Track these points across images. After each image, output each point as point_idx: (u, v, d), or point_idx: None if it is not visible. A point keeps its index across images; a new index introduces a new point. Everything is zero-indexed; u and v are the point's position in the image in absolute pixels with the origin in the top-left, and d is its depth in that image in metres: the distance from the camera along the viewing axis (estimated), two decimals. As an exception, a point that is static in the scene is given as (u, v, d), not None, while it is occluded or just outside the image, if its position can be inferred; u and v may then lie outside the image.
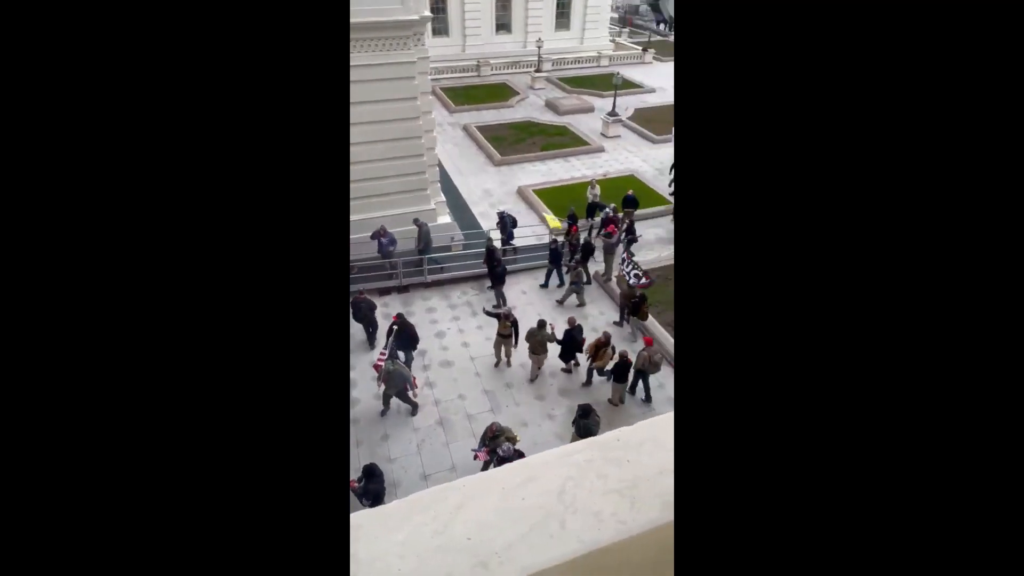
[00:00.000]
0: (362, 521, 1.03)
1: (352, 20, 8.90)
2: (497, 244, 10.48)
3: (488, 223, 12.48)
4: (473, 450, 6.83)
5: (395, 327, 7.92)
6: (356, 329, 8.91)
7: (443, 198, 12.39)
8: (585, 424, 6.76)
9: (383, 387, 7.40)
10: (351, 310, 8.50)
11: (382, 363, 7.28)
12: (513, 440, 6.62)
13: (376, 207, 10.90)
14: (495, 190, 14.52)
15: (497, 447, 6.37)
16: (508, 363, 8.55)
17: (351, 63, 9.36)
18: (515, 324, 8.18)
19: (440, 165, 12.96)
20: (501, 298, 9.70)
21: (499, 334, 8.33)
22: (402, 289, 10.45)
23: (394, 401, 7.65)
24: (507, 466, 1.11)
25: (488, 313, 8.61)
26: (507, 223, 11.35)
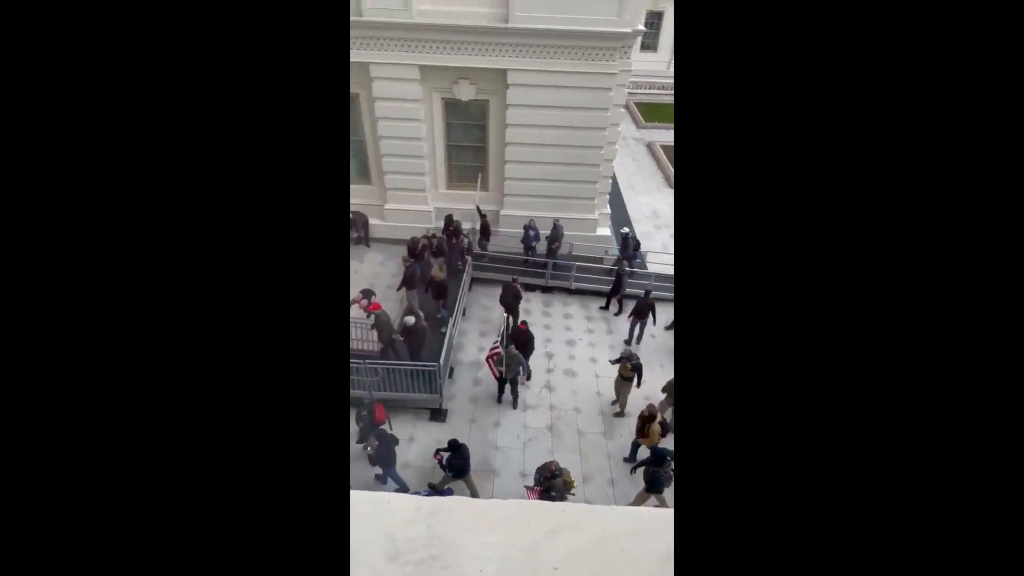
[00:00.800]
0: (457, 507, 1.04)
1: (564, 27, 9.27)
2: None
3: (650, 243, 12.03)
4: (526, 487, 6.52)
5: (510, 330, 7.85)
6: (499, 311, 9.33)
7: (608, 211, 12.29)
8: (655, 473, 6.04)
9: (501, 371, 7.63)
10: (501, 292, 8.93)
11: (496, 354, 7.49)
12: (569, 486, 6.10)
13: (540, 207, 11.26)
14: (663, 212, 13.93)
15: (552, 488, 5.90)
16: (622, 412, 8.01)
17: (552, 68, 9.77)
18: (638, 368, 7.63)
19: (613, 178, 12.86)
20: (633, 329, 9.23)
21: (620, 376, 7.88)
22: (546, 289, 10.66)
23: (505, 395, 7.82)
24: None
25: (612, 362, 8.15)
26: (629, 244, 10.84)
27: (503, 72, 10.04)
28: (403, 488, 6.83)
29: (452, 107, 10.84)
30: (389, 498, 1.06)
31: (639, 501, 6.45)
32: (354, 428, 6.82)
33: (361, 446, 6.75)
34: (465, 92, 10.48)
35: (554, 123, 10.38)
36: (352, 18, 9.66)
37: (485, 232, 11.06)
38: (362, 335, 8.59)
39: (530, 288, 10.71)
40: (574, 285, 10.63)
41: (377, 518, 1.01)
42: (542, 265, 10.61)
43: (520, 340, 7.90)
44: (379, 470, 6.82)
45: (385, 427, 6.89)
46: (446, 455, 6.42)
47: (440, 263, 9.57)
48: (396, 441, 6.72)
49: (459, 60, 9.97)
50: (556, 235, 10.84)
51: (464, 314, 9.85)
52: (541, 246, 11.00)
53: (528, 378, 8.18)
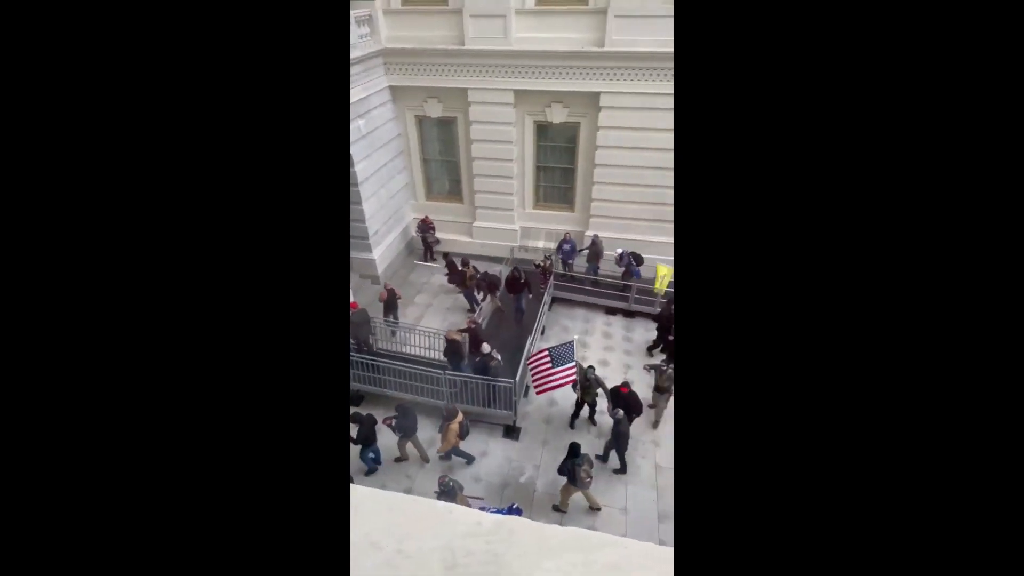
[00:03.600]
0: (518, 528, 1.03)
1: (658, 49, 9.12)
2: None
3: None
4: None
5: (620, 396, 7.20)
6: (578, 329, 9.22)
7: (700, 236, 11.72)
8: (569, 465, 6.21)
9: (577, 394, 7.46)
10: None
11: (570, 377, 7.24)
12: (590, 469, 6.30)
13: (623, 228, 11.03)
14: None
15: (574, 476, 6.16)
16: (656, 423, 7.65)
17: (645, 91, 9.62)
18: (671, 379, 7.31)
19: (707, 202, 12.26)
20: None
21: (656, 387, 7.60)
22: (629, 314, 10.35)
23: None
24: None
25: (647, 368, 7.89)
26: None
27: (596, 95, 10.08)
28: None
29: (543, 129, 11.06)
30: (452, 509, 1.07)
31: (564, 495, 6.65)
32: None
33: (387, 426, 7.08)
34: (557, 115, 10.65)
35: (645, 145, 10.19)
36: (453, 47, 10.28)
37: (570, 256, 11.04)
38: (433, 343, 8.89)
39: (612, 312, 10.46)
40: (657, 309, 10.22)
41: (438, 527, 1.02)
42: (623, 288, 10.33)
43: (627, 406, 7.11)
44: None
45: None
46: (395, 419, 6.91)
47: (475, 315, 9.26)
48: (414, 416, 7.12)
49: (553, 84, 10.18)
50: (595, 251, 10.54)
51: (543, 333, 9.84)
52: (581, 261, 10.81)
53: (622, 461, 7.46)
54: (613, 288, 10.41)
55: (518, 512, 6.52)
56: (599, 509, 6.77)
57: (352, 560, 0.96)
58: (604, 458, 7.38)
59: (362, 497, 1.08)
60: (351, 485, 1.14)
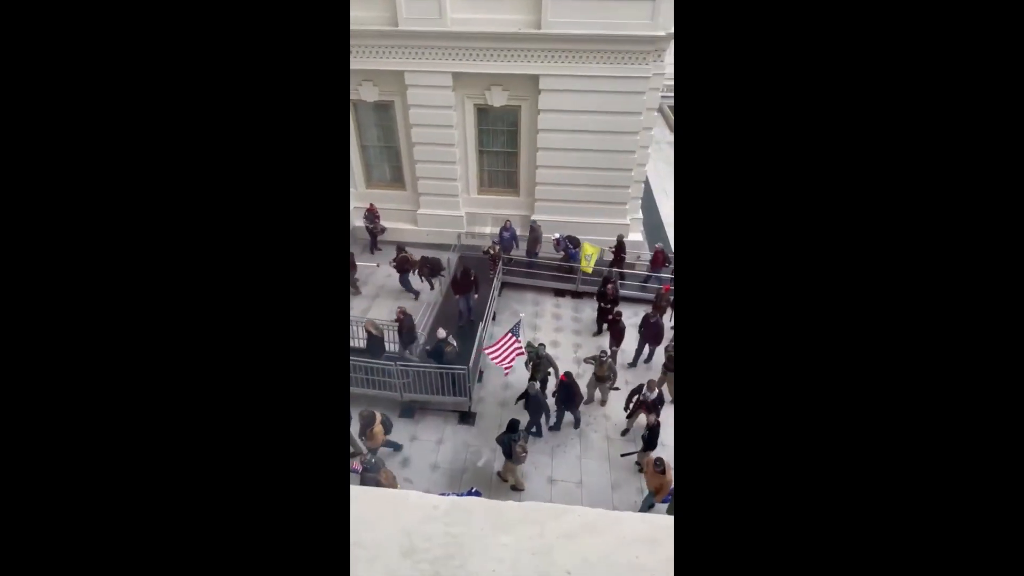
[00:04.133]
0: (475, 508, 1.05)
1: (596, 32, 9.23)
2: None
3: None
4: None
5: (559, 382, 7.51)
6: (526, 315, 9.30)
7: (640, 216, 12.12)
8: (506, 440, 6.46)
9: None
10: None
11: (517, 348, 7.50)
12: (525, 444, 6.58)
13: (568, 211, 11.21)
14: (698, 218, 13.61)
15: (513, 443, 6.42)
16: (603, 401, 8.04)
17: (584, 73, 9.73)
18: (612, 368, 7.71)
19: (647, 183, 12.68)
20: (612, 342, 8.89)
21: (595, 376, 7.90)
22: (576, 294, 10.58)
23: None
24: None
25: (586, 360, 8.17)
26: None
27: (535, 78, 10.07)
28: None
29: (484, 113, 10.95)
30: (408, 495, 1.07)
31: (508, 473, 6.90)
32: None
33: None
34: (497, 98, 10.57)
35: (586, 128, 10.33)
36: (387, 28, 9.91)
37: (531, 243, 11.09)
38: (391, 337, 8.74)
39: (561, 293, 10.65)
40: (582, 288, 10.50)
41: (394, 515, 1.02)
42: (568, 270, 10.54)
43: (569, 392, 7.41)
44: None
45: None
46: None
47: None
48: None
49: (491, 67, 10.07)
50: (534, 237, 10.82)
51: (495, 319, 9.89)
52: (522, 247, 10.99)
53: (576, 426, 7.83)
54: (560, 270, 10.59)
55: (477, 495, 6.58)
56: (522, 490, 6.96)
57: (306, 557, 0.94)
58: (556, 426, 7.61)
59: (313, 493, 1.06)
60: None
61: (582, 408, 7.73)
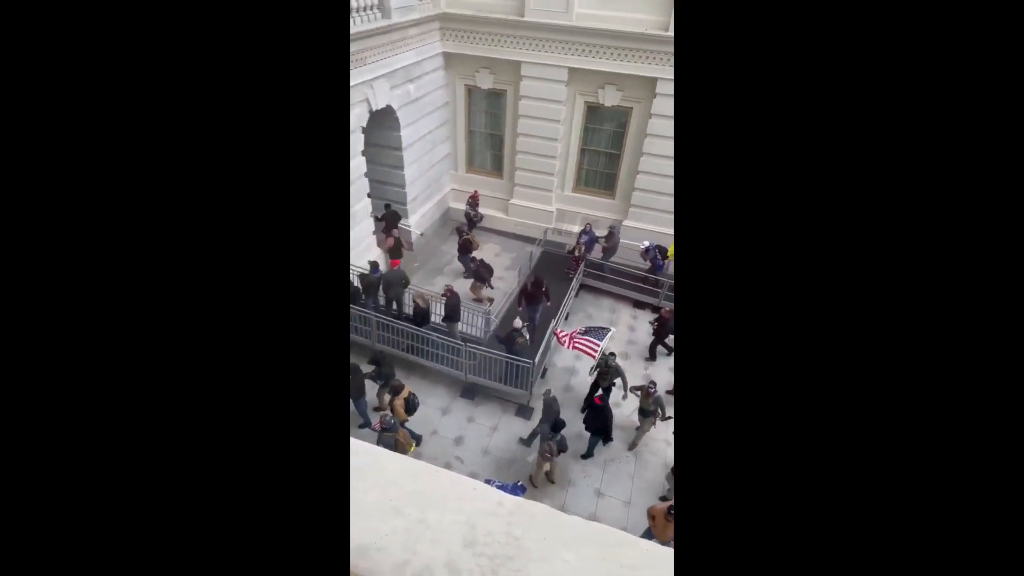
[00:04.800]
0: (538, 513, 1.03)
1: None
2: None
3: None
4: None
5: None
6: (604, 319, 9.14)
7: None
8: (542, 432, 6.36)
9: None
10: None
11: (591, 344, 7.38)
12: (554, 448, 6.45)
13: (663, 222, 10.76)
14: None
15: (544, 439, 6.37)
16: (632, 444, 7.38)
17: (669, 77, 9.21)
18: (659, 402, 6.92)
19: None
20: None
21: (640, 408, 7.20)
22: (656, 309, 10.19)
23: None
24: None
25: (632, 390, 7.42)
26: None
27: (652, 80, 9.74)
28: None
29: (594, 111, 10.80)
30: (475, 485, 1.08)
31: (548, 468, 6.83)
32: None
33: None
34: (610, 97, 10.36)
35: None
36: (512, 17, 10.05)
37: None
38: (468, 319, 8.97)
39: (640, 305, 10.32)
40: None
41: (459, 501, 1.03)
42: (652, 282, 10.15)
43: (598, 419, 7.08)
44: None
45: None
46: (373, 370, 7.28)
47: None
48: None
49: (610, 65, 9.88)
50: (612, 242, 10.35)
51: (567, 318, 9.81)
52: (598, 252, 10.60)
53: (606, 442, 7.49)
54: (644, 281, 10.24)
55: (522, 490, 6.63)
56: (535, 487, 6.88)
57: (373, 524, 0.97)
58: (588, 453, 7.30)
59: (387, 461, 1.10)
60: (376, 448, 1.16)
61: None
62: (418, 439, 7.35)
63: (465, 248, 10.26)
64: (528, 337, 8.00)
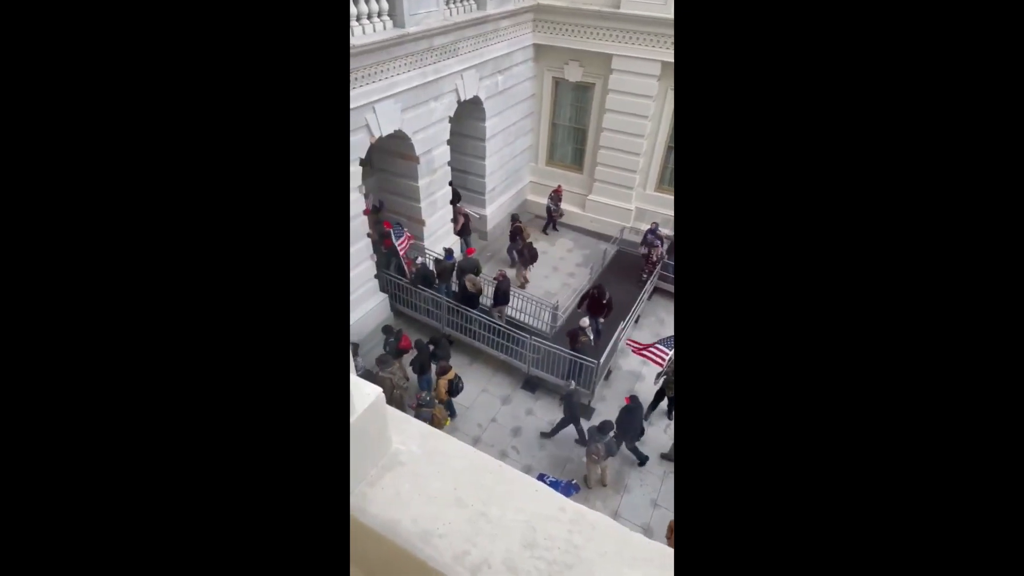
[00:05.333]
0: (600, 524, 1.00)
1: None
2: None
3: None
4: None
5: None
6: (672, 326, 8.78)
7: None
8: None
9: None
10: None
11: (661, 355, 7.20)
12: (602, 450, 6.33)
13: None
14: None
15: (592, 440, 6.28)
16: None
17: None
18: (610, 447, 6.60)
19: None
20: None
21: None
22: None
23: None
24: None
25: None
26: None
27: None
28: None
29: (684, 108, 10.30)
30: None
31: (595, 469, 6.66)
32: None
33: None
34: (703, 94, 9.84)
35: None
36: (607, 9, 9.80)
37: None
38: (536, 313, 8.99)
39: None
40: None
41: (521, 500, 1.02)
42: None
43: (626, 420, 6.79)
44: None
45: (410, 354, 7.63)
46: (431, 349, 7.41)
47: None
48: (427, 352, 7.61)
49: (706, 60, 9.35)
50: (672, 244, 9.82)
51: (637, 322, 9.53)
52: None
53: (642, 464, 7.14)
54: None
55: (576, 489, 6.59)
56: (589, 487, 6.83)
57: (437, 510, 1.00)
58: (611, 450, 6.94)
59: (456, 452, 1.11)
60: (443, 435, 1.18)
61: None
62: (452, 412, 7.64)
63: (516, 235, 10.36)
64: (592, 338, 7.88)
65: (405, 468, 1.06)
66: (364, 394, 0.99)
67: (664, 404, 7.78)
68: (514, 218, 10.66)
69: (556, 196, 11.70)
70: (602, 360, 7.85)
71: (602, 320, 8.67)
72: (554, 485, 5.47)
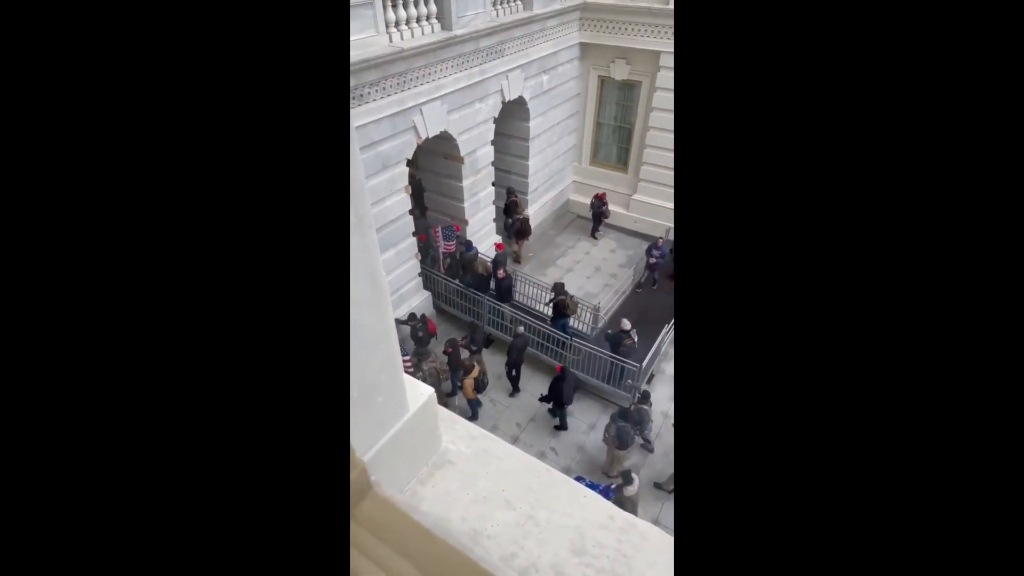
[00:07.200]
0: (651, 534, 0.98)
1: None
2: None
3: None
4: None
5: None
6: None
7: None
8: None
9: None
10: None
11: None
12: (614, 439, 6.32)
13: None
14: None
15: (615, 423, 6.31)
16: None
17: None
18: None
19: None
20: None
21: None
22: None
23: None
24: None
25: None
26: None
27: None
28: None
29: (736, 106, 9.96)
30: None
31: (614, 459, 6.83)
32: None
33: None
34: (757, 91, 9.46)
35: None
36: (657, 6, 9.58)
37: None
38: (577, 314, 8.92)
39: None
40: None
41: (570, 506, 1.02)
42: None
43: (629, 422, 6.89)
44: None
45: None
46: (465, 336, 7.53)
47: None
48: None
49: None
50: (661, 254, 9.51)
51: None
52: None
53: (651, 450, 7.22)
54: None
55: (613, 492, 6.50)
56: (607, 475, 6.84)
57: (486, 511, 1.01)
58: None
59: (504, 453, 1.12)
60: (493, 436, 1.20)
61: None
62: (475, 411, 7.63)
63: (513, 207, 10.35)
64: (636, 341, 7.74)
65: (455, 467, 1.08)
66: (418, 393, 1.01)
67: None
68: (509, 192, 10.65)
69: (599, 202, 11.55)
70: (644, 363, 7.70)
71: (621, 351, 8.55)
72: (591, 488, 5.41)
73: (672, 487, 6.75)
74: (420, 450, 1.04)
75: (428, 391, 1.01)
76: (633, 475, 6.25)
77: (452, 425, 1.16)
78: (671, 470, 6.96)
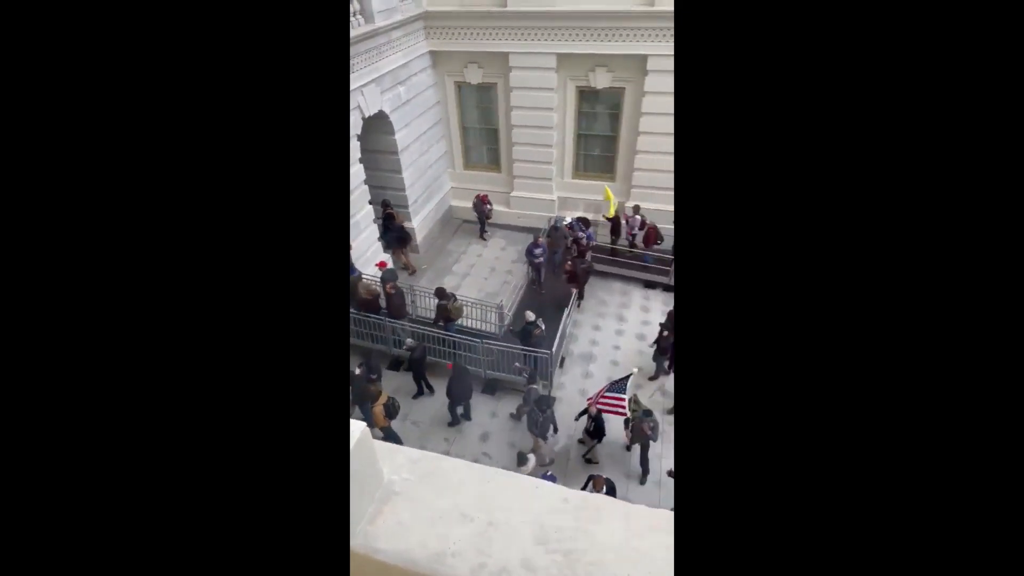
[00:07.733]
0: (604, 506, 1.04)
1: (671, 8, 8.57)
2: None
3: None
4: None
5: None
6: (615, 308, 9.03)
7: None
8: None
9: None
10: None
11: (620, 405, 6.78)
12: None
13: (667, 200, 10.69)
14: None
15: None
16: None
17: (658, 52, 9.10)
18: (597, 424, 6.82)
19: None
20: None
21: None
22: (668, 288, 10.16)
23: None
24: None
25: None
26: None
27: (643, 58, 9.64)
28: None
29: (586, 96, 10.71)
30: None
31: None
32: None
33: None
34: (601, 80, 10.27)
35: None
36: (495, 8, 9.95)
37: (615, 228, 10.82)
38: (482, 316, 8.99)
39: (651, 285, 10.29)
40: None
41: (525, 501, 1.04)
42: (667, 263, 10.10)
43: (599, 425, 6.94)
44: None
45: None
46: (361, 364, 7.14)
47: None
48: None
49: (598, 47, 9.78)
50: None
51: (579, 306, 9.80)
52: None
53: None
54: (660, 263, 10.19)
55: (552, 479, 6.68)
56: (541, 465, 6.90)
57: (444, 530, 0.99)
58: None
59: (450, 468, 1.11)
60: (438, 456, 1.17)
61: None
62: (396, 438, 7.04)
63: (390, 219, 10.38)
64: (543, 329, 8.00)
65: (402, 496, 1.04)
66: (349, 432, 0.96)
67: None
68: (385, 204, 10.58)
69: (481, 202, 11.72)
70: (554, 349, 8.01)
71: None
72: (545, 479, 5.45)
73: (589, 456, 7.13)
74: (363, 490, 0.99)
75: (360, 427, 0.97)
76: (528, 456, 6.44)
77: (391, 455, 1.12)
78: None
